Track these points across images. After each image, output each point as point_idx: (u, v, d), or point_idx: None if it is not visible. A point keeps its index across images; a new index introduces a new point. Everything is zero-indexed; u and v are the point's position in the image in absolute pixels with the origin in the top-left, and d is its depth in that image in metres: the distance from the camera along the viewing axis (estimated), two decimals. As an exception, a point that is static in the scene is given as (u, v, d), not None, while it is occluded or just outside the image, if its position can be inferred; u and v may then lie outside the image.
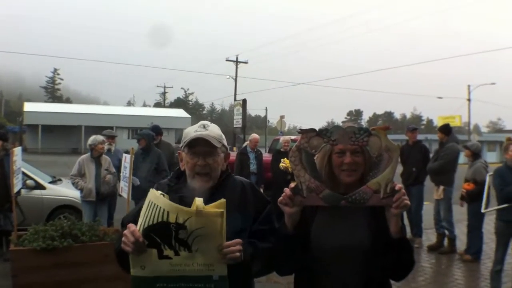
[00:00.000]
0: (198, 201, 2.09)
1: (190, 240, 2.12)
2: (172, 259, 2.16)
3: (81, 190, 8.06)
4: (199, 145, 2.46)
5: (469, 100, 54.10)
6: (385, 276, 2.33)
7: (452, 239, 9.14)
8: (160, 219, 2.10)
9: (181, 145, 2.54)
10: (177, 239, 2.12)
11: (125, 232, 2.16)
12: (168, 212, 2.10)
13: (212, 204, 2.11)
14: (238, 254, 2.18)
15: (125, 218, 2.65)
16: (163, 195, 2.18)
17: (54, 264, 5.40)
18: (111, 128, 17.41)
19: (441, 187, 9.09)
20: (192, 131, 2.51)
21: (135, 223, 2.38)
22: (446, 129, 9.57)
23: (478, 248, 8.47)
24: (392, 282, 2.41)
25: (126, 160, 7.37)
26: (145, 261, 2.17)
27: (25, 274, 5.31)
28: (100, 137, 8.33)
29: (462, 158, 9.37)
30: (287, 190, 2.14)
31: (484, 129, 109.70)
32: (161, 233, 2.12)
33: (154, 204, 2.13)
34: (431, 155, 9.90)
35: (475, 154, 8.59)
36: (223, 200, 2.13)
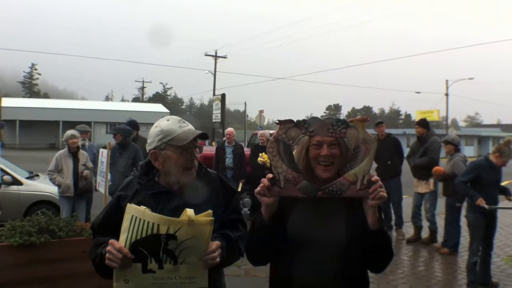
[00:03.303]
0: (189, 211, 2.14)
1: (178, 252, 2.16)
2: (155, 272, 2.19)
3: (59, 185, 8.02)
4: (191, 140, 2.47)
5: (447, 95, 54.52)
6: (363, 268, 2.34)
7: (434, 231, 9.31)
8: (149, 232, 2.14)
9: (161, 143, 2.48)
10: (165, 250, 2.15)
11: (110, 249, 2.16)
12: (158, 225, 2.13)
13: (201, 214, 2.16)
14: (218, 259, 2.25)
15: (95, 222, 2.64)
16: (147, 209, 2.18)
17: (31, 260, 5.34)
18: (89, 123, 17.27)
19: (431, 180, 9.19)
20: (176, 127, 2.49)
21: (106, 227, 2.46)
22: (425, 123, 9.65)
23: (455, 241, 8.58)
24: (370, 274, 2.42)
25: (103, 155, 7.33)
26: (129, 275, 2.20)
27: (2, 270, 5.26)
28: (69, 132, 8.28)
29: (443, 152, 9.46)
30: (264, 181, 2.14)
31: (462, 124, 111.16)
32: (150, 246, 2.15)
33: (140, 219, 2.15)
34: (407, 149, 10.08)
35: (457, 148, 8.65)
36: (210, 211, 2.20)
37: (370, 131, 2.36)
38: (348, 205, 2.25)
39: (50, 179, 8.09)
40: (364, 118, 2.14)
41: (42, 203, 9.35)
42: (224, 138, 11.74)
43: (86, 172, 8.13)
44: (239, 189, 10.71)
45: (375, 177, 2.10)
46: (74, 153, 8.12)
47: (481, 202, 6.28)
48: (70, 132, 8.28)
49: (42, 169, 11.50)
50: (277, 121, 2.16)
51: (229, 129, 11.62)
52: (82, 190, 8.16)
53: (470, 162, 7.24)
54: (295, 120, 2.16)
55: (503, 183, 6.90)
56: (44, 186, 9.52)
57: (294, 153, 2.28)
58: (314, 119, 2.16)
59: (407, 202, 10.53)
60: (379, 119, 11.87)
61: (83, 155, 8.26)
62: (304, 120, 2.15)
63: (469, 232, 6.76)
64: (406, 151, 10.11)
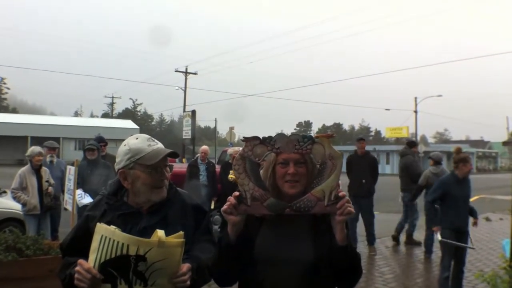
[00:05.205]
0: (160, 232, 2.11)
1: (148, 273, 2.12)
2: None
3: (24, 204, 7.86)
4: (161, 159, 2.43)
5: (416, 111, 55.21)
6: (332, 286, 2.32)
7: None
8: (119, 253, 2.09)
9: (130, 162, 2.43)
10: (135, 272, 2.11)
11: (79, 269, 2.13)
12: (128, 245, 2.09)
13: (172, 236, 2.14)
14: (188, 282, 2.22)
15: (64, 243, 2.59)
16: (117, 229, 2.15)
17: (-1, 279, 5.27)
18: (58, 139, 17.06)
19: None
20: (144, 146, 2.45)
21: (75, 247, 2.41)
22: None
23: (429, 247, 9.45)
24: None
25: (70, 172, 7.19)
26: None
27: (-33, 289, 5.16)
28: (36, 149, 8.12)
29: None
30: (231, 199, 2.12)
31: (431, 140, 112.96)
32: (120, 267, 2.11)
33: (110, 239, 2.11)
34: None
35: (435, 162, 9.48)
36: (181, 233, 2.18)
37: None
38: (315, 223, 2.25)
39: (14, 198, 7.92)
40: (330, 134, 2.15)
41: (9, 221, 9.12)
42: (198, 155, 11.74)
43: (50, 188, 8.00)
44: (212, 207, 10.75)
45: (342, 193, 2.10)
46: (37, 170, 7.99)
47: (437, 230, 6.57)
48: (37, 148, 8.12)
49: (9, 186, 11.33)
50: (242, 139, 2.15)
51: (204, 147, 11.75)
52: (47, 207, 8.02)
53: (436, 180, 7.39)
54: (261, 137, 2.15)
55: (472, 199, 6.99)
56: (12, 203, 9.32)
57: (261, 171, 2.27)
58: (280, 135, 2.16)
59: (380, 219, 10.71)
60: (349, 136, 12.27)
61: (45, 171, 8.13)
62: (270, 137, 2.15)
63: (440, 247, 6.83)
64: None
